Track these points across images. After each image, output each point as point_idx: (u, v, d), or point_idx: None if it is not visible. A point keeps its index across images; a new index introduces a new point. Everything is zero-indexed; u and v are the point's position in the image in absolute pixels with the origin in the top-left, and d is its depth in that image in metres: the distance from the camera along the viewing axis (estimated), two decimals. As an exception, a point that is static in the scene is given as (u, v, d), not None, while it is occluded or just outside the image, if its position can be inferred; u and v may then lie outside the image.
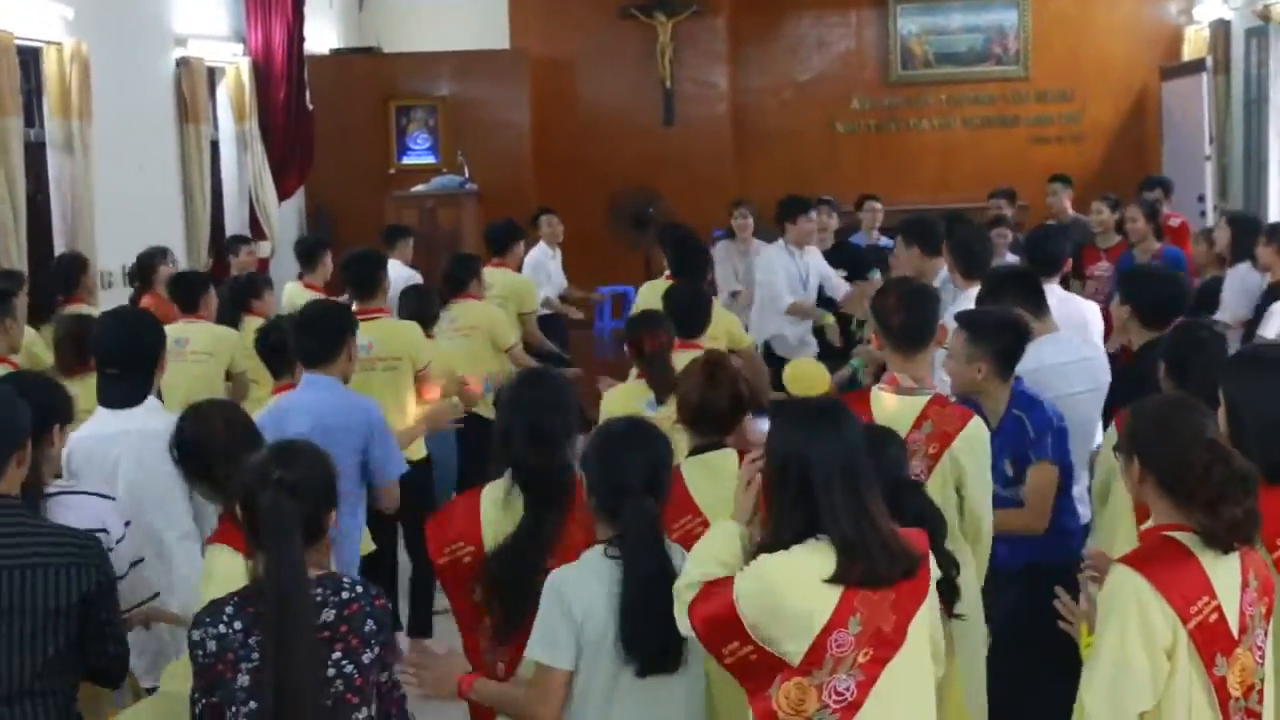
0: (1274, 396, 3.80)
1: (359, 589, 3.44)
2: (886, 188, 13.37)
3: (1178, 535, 3.34)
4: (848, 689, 3.11)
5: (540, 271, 10.91)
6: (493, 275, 8.95)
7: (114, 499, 4.24)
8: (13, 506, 3.66)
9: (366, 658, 3.38)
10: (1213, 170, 13.65)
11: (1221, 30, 13.66)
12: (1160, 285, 5.82)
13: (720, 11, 15.77)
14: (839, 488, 3.17)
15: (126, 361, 4.78)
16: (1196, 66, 14.18)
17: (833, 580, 3.12)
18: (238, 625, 3.34)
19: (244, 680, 3.31)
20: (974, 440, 4.56)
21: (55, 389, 4.39)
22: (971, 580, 4.46)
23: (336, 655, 3.34)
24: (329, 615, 3.35)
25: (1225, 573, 3.30)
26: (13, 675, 3.51)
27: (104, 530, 4.08)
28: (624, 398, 5.83)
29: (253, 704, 3.29)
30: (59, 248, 9.76)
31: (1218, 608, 3.26)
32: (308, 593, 3.34)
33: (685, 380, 4.53)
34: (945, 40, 16.12)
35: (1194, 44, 14.75)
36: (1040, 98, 16.02)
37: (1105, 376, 5.67)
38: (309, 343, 5.54)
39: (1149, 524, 3.48)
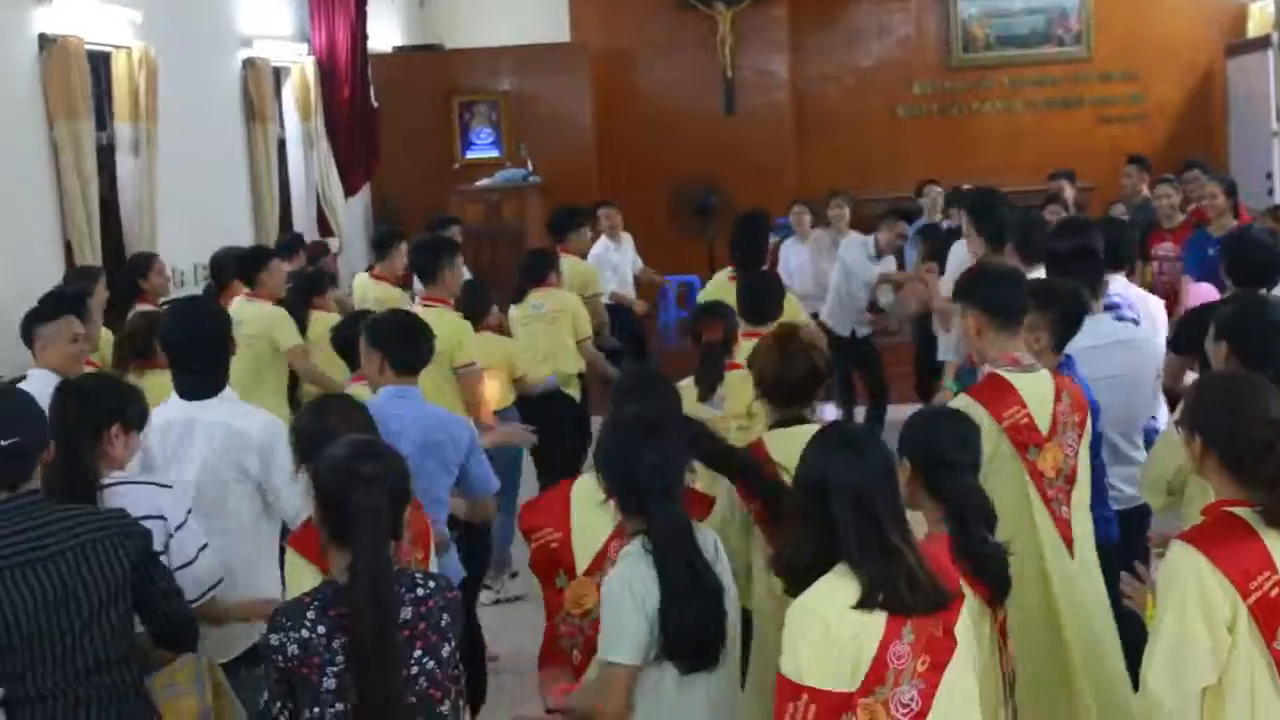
0: None
1: (432, 583, 3.44)
2: (949, 172, 13.35)
3: (1239, 511, 3.34)
4: (912, 699, 3.11)
5: (604, 265, 10.95)
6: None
7: (171, 486, 4.29)
8: (42, 500, 3.75)
9: (445, 652, 3.38)
10: (1280, 149, 13.49)
11: (1288, 6, 13.50)
12: (1256, 248, 5.99)
13: (780, 0, 15.76)
14: (854, 515, 3.15)
15: (198, 354, 4.86)
16: (1262, 43, 14.00)
17: (857, 607, 3.11)
18: (320, 630, 3.31)
19: (330, 684, 3.29)
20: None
21: (125, 391, 4.47)
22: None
23: (418, 653, 3.34)
24: (407, 613, 3.34)
25: (1288, 548, 3.29)
26: (86, 652, 3.61)
27: (161, 517, 4.14)
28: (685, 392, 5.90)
29: (339, 705, 3.29)
30: (129, 248, 9.92)
31: (1279, 582, 3.25)
32: (396, 591, 3.35)
33: (759, 356, 4.59)
34: (1006, 23, 16.03)
35: (1259, 20, 14.58)
36: (1104, 78, 15.88)
37: (1148, 361, 5.63)
38: (411, 353, 5.47)
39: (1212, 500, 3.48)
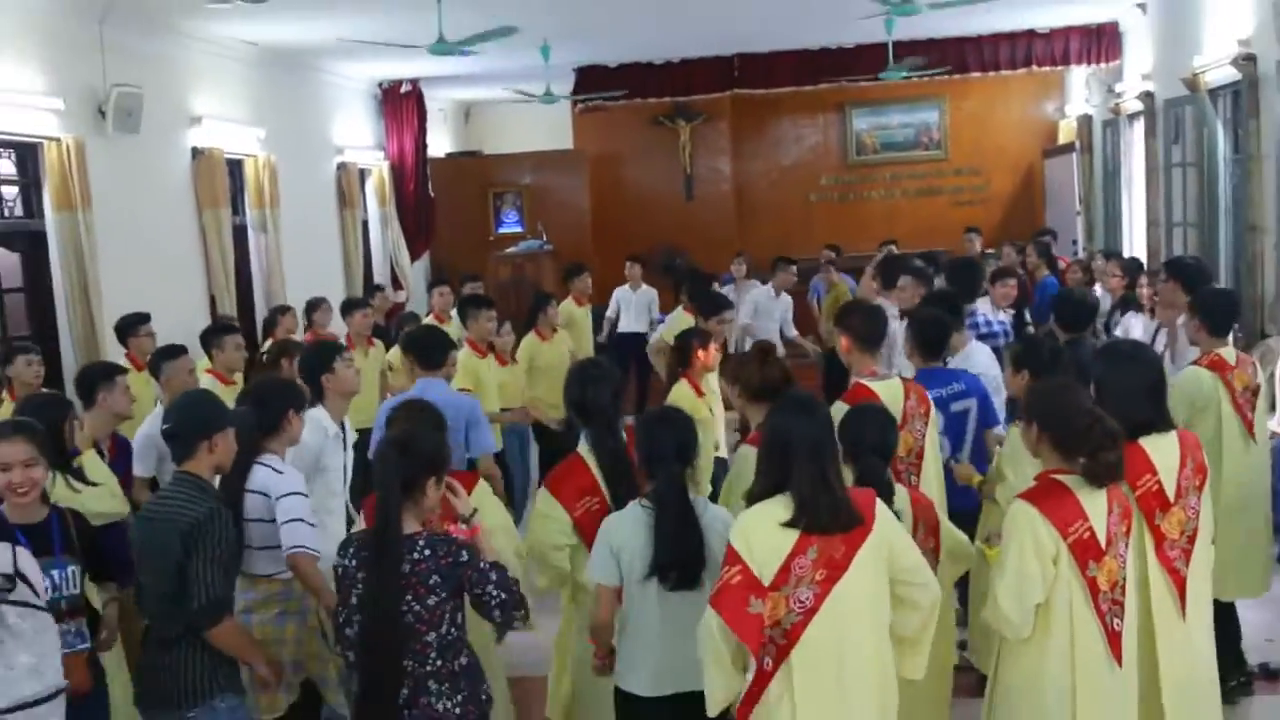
0: (1127, 378, 3.80)
1: (427, 551, 3.22)
2: (847, 241, 13.43)
3: (1061, 478, 3.36)
4: (807, 598, 3.08)
5: (615, 301, 11.10)
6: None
7: (283, 473, 4.09)
8: (185, 481, 3.59)
9: (431, 600, 3.21)
10: (1081, 223, 13.58)
11: (1085, 122, 13.58)
12: (1078, 305, 5.95)
13: (724, 117, 15.79)
14: (806, 457, 3.13)
15: (306, 379, 4.84)
16: (1068, 148, 14.12)
17: (787, 525, 3.10)
18: (353, 563, 3.26)
19: (354, 602, 3.25)
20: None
21: (289, 387, 4.42)
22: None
23: (408, 598, 3.20)
24: (405, 568, 3.20)
25: (1095, 503, 3.32)
26: (160, 586, 3.50)
27: (265, 494, 4.01)
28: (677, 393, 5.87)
29: (357, 618, 3.24)
30: (257, 301, 9.93)
31: (1090, 528, 3.29)
32: (399, 537, 3.20)
33: (744, 369, 4.40)
34: (887, 133, 16.08)
35: (1066, 132, 14.70)
36: (957, 173, 15.94)
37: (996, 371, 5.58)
38: (433, 355, 5.54)
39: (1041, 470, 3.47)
